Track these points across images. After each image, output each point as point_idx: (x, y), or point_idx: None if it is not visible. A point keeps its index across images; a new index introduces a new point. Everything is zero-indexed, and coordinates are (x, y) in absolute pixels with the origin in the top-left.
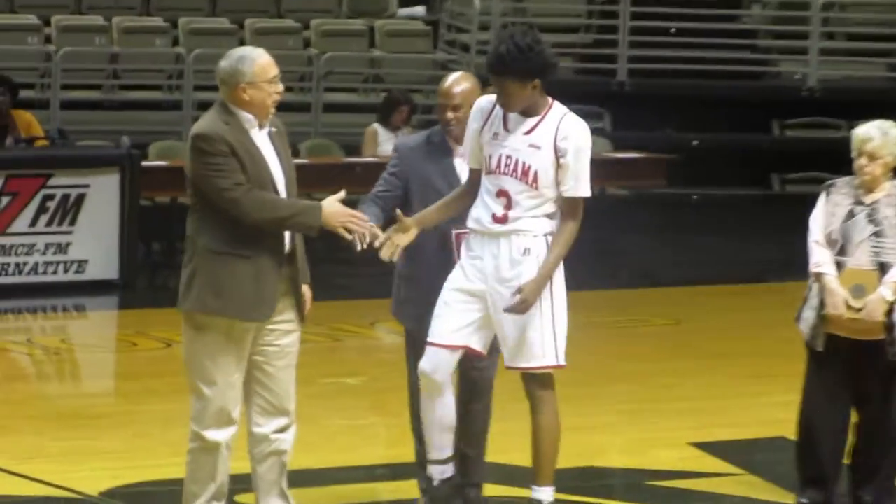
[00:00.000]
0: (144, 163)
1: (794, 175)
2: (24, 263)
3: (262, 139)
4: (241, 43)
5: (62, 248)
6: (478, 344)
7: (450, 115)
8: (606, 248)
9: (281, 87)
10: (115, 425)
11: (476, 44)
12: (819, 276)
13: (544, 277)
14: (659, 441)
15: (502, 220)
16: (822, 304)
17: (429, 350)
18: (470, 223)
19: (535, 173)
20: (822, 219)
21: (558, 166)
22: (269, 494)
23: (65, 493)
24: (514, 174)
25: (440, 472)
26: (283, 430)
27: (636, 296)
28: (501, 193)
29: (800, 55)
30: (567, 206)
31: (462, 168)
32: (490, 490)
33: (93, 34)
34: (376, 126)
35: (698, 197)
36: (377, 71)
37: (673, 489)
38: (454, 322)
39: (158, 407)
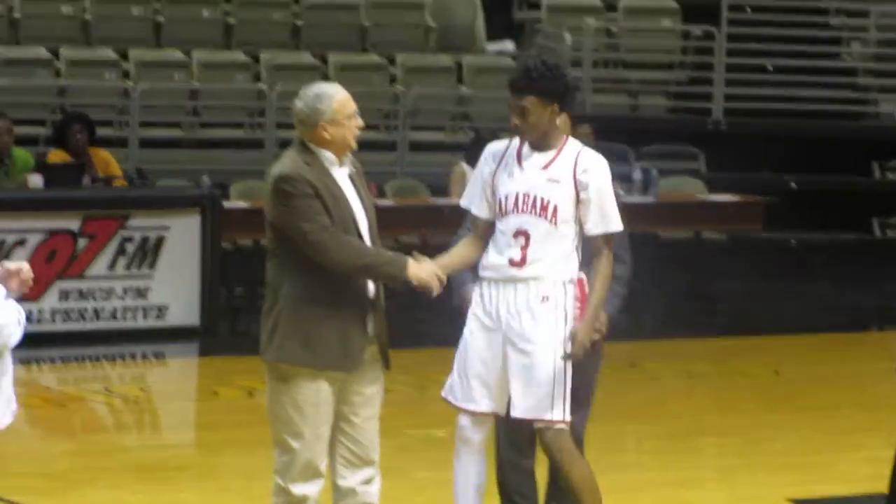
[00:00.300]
0: (226, 203)
1: (895, 219)
2: (102, 308)
3: (342, 178)
4: (325, 78)
5: (141, 293)
6: (505, 405)
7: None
8: (701, 294)
9: (361, 122)
10: (195, 478)
11: None
12: None
13: (593, 318)
14: (756, 497)
15: (520, 263)
16: None
17: (465, 417)
18: (484, 272)
19: (555, 208)
20: None
21: (578, 201)
22: None
23: None
24: (532, 211)
25: None
26: (368, 482)
27: (732, 344)
28: (519, 234)
29: None
30: (598, 244)
31: None
32: None
33: (172, 69)
34: (464, 166)
35: (796, 242)
36: (465, 108)
37: None
38: (484, 386)
39: (241, 459)
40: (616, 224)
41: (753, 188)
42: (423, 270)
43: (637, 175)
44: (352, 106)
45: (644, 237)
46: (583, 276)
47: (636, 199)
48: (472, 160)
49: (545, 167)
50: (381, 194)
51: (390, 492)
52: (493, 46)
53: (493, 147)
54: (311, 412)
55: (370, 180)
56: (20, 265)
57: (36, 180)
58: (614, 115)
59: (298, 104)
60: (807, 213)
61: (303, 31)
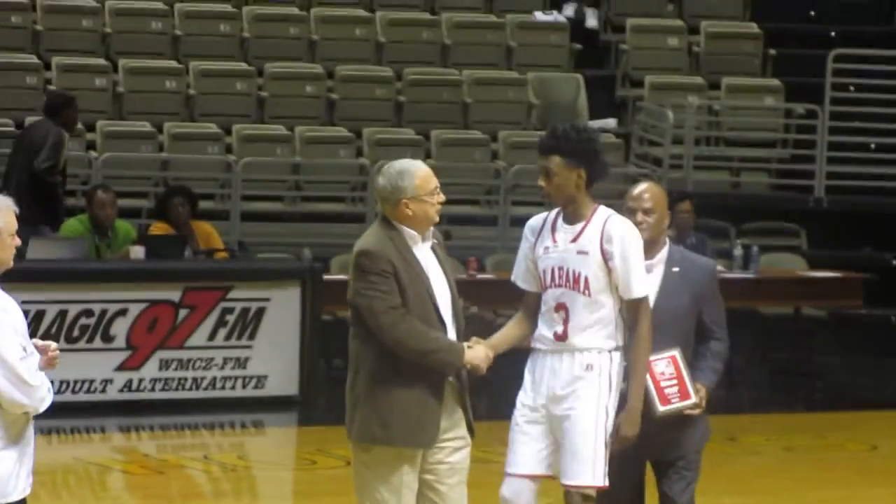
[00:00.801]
0: (326, 276)
1: None
2: (203, 378)
3: (424, 253)
4: (427, 154)
5: (241, 363)
6: (554, 469)
7: (639, 217)
8: (802, 369)
9: (443, 197)
10: None
11: (669, 157)
12: None
13: (635, 407)
14: None
15: (563, 337)
16: None
17: (509, 480)
18: (535, 343)
19: (586, 280)
20: None
21: (608, 270)
22: None
23: None
24: (566, 284)
25: None
26: None
27: (832, 419)
28: (559, 307)
29: None
30: (628, 313)
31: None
32: None
33: (274, 144)
34: None
35: None
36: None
37: None
38: (529, 450)
39: None
40: (637, 290)
41: (854, 265)
42: (476, 356)
43: (738, 251)
44: (433, 182)
45: (745, 313)
46: (676, 352)
47: (737, 275)
48: None
49: (574, 240)
50: (482, 269)
51: None
52: (596, 124)
53: (532, 222)
54: (396, 484)
55: (474, 255)
56: (48, 344)
57: (138, 252)
58: (715, 192)
59: (381, 181)
60: None
61: (405, 108)
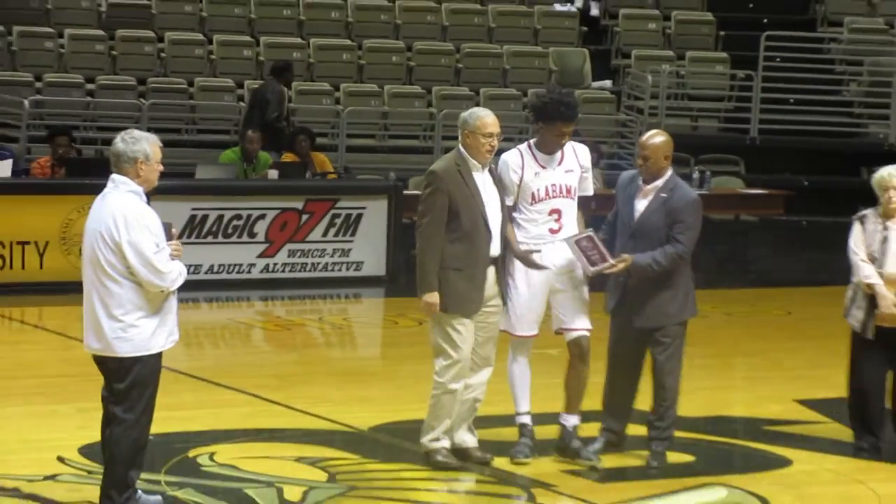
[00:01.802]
0: (406, 192)
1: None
2: (318, 263)
3: (481, 179)
4: (477, 105)
5: (345, 253)
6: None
7: (639, 161)
8: (738, 258)
9: (495, 142)
10: (381, 380)
11: (648, 108)
12: (871, 286)
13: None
14: (772, 398)
15: (558, 231)
16: (870, 304)
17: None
18: (532, 243)
19: (573, 189)
20: (861, 241)
21: (582, 179)
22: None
23: (344, 427)
24: (562, 195)
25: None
26: (484, 381)
27: (759, 294)
28: (554, 212)
29: (883, 119)
30: (585, 203)
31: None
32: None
33: (370, 98)
34: None
35: (807, 223)
36: (577, 128)
37: (780, 432)
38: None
39: (413, 367)
40: (592, 189)
41: (778, 185)
42: (427, 300)
43: (696, 175)
44: (491, 128)
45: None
46: (590, 231)
47: (695, 191)
48: None
49: (559, 164)
50: None
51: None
52: (597, 84)
53: (510, 159)
54: (456, 337)
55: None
56: (173, 243)
57: (273, 174)
58: (681, 133)
59: (463, 115)
60: (815, 203)
61: (462, 72)
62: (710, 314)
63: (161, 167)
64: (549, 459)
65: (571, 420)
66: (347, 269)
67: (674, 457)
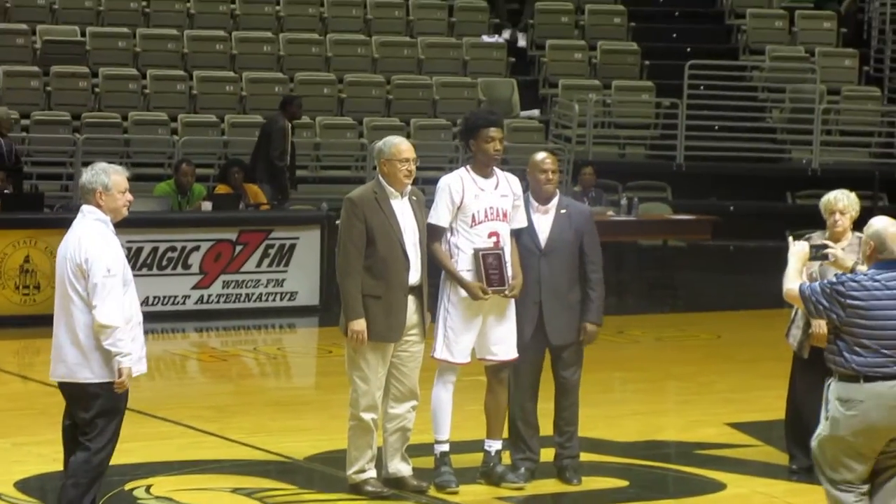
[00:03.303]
0: (338, 221)
1: (802, 231)
2: (253, 293)
3: (399, 206)
4: (408, 136)
5: (279, 283)
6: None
7: (550, 175)
8: (667, 283)
9: (412, 168)
10: (315, 409)
11: (576, 136)
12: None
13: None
14: (703, 422)
15: None
16: (807, 326)
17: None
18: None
19: (508, 214)
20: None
21: (514, 207)
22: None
23: (280, 458)
24: (498, 218)
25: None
26: (411, 410)
27: (688, 318)
28: (493, 234)
29: (806, 145)
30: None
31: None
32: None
33: (302, 129)
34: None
35: (734, 248)
36: (505, 156)
37: (712, 456)
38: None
39: (346, 396)
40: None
41: (705, 211)
42: (354, 328)
43: (624, 202)
44: (406, 153)
45: (628, 244)
46: (501, 251)
47: (623, 217)
48: None
49: (496, 188)
50: None
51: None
52: (525, 113)
53: (451, 181)
54: (366, 368)
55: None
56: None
57: (207, 206)
58: (608, 160)
59: (378, 144)
60: (742, 227)
61: (392, 103)
62: (641, 339)
63: (127, 196)
64: (476, 486)
65: (495, 445)
66: (281, 299)
67: (607, 482)
